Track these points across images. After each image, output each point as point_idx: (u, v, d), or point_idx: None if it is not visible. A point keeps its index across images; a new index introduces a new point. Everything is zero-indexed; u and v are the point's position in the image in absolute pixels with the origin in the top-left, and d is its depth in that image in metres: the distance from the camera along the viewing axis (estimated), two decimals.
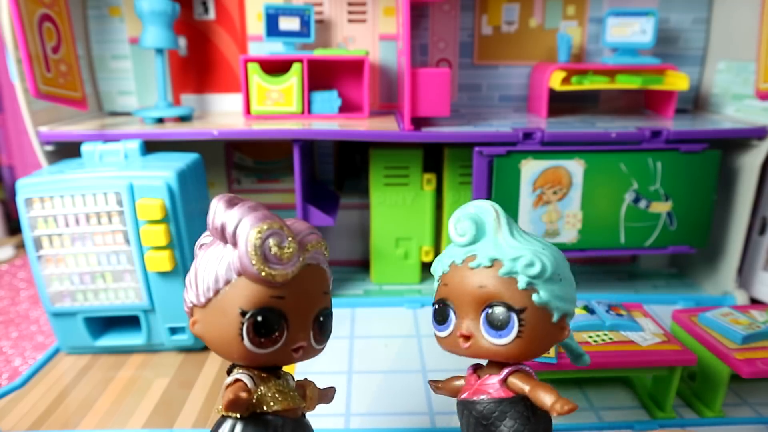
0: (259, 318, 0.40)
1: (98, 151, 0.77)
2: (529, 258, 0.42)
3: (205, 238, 0.43)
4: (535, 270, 0.42)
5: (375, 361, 0.76)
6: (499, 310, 0.42)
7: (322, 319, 0.43)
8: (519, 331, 0.42)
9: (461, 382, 0.49)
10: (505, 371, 0.45)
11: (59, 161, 0.81)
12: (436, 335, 0.47)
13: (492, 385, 0.45)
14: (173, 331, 0.77)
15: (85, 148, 0.78)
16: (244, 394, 0.39)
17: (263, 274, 0.39)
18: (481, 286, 0.43)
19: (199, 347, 0.80)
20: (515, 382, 0.44)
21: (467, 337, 0.44)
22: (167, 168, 0.73)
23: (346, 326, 0.85)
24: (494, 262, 0.43)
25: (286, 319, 0.41)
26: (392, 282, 0.99)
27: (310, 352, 0.43)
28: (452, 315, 0.45)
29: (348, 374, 0.73)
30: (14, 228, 1.33)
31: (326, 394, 0.49)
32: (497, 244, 0.43)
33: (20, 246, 1.26)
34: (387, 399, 0.68)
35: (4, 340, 0.88)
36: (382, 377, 0.72)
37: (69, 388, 0.71)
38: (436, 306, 0.46)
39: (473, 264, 0.43)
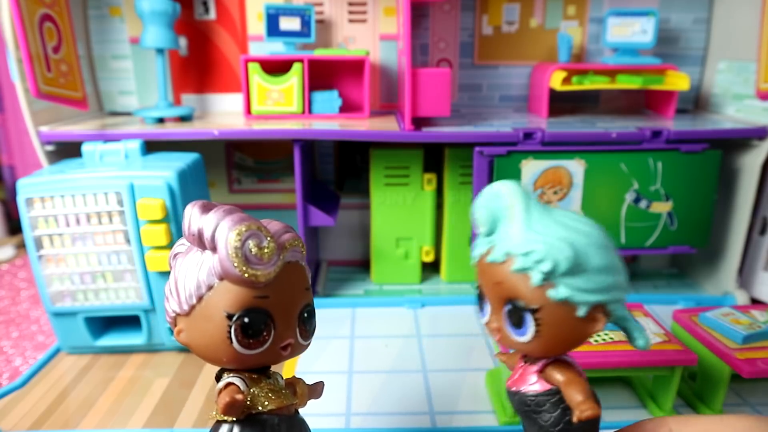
0: (246, 319, 0.40)
1: (99, 151, 0.77)
2: (541, 253, 0.38)
3: (178, 247, 0.43)
4: (547, 266, 0.38)
5: (375, 361, 0.76)
6: (514, 309, 0.40)
7: (306, 315, 0.43)
8: (537, 331, 0.39)
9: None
10: (541, 362, 0.43)
11: (60, 161, 0.81)
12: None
13: (531, 377, 0.43)
14: None
15: (85, 148, 0.78)
16: (239, 396, 0.40)
17: (246, 275, 0.39)
18: (497, 283, 0.40)
19: None
20: (551, 373, 0.42)
21: (498, 330, 0.42)
22: (168, 168, 0.73)
23: (346, 326, 0.85)
24: (507, 257, 0.39)
25: (272, 318, 0.41)
26: (392, 282, 0.99)
27: (297, 349, 0.43)
28: (486, 304, 0.43)
29: (348, 374, 0.73)
30: (15, 228, 1.33)
31: (315, 390, 0.49)
32: (511, 235, 0.39)
33: (21, 246, 1.26)
34: (387, 399, 0.68)
35: (4, 339, 0.88)
36: (383, 377, 0.72)
37: (69, 388, 0.71)
38: (477, 291, 0.44)
39: (489, 259, 0.41)
